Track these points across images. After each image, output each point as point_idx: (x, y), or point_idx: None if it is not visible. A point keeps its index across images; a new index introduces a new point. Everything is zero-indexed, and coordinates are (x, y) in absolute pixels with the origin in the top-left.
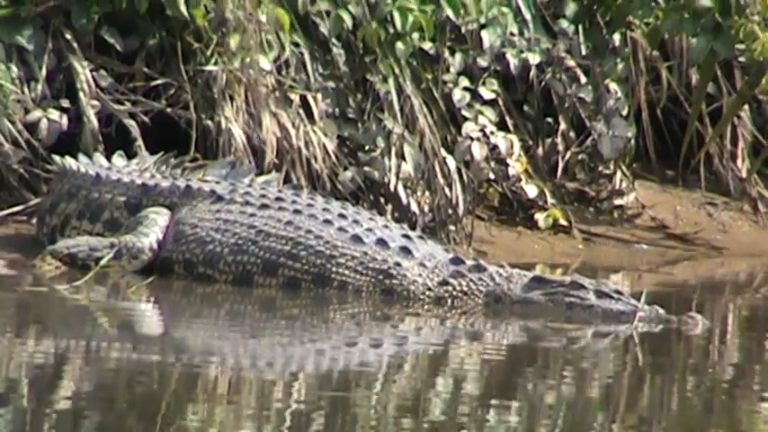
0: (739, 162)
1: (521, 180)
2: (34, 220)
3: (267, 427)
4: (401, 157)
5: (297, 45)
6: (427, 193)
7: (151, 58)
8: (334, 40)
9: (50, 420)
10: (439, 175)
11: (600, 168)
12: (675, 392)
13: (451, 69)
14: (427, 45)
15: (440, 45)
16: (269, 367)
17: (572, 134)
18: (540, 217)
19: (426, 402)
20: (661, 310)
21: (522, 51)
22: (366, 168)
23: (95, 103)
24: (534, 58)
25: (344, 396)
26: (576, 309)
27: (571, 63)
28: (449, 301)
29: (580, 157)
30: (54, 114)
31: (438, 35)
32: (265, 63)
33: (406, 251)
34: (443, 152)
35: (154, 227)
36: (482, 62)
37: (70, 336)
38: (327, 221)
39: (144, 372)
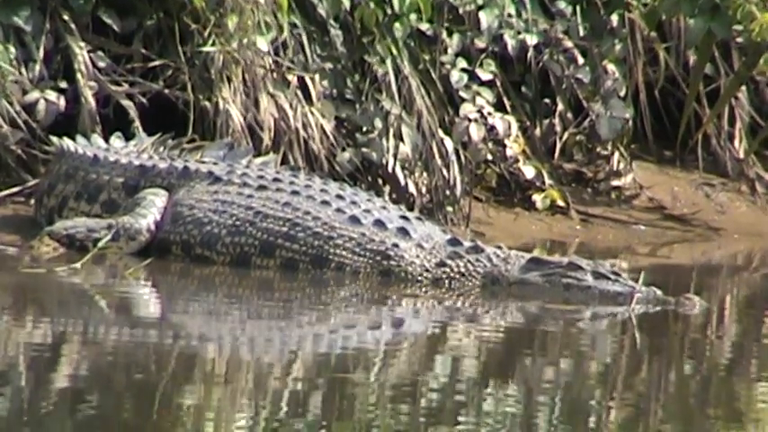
0: (737, 143)
1: (518, 161)
2: (32, 202)
3: (265, 407)
4: (399, 138)
5: (295, 26)
6: (425, 174)
7: (149, 39)
8: (331, 21)
9: (48, 401)
10: (437, 156)
11: (597, 149)
12: (673, 373)
13: (449, 50)
14: (425, 26)
15: (437, 26)
16: (266, 348)
17: (569, 115)
18: (537, 198)
19: (424, 383)
20: (658, 291)
21: (519, 32)
22: (364, 149)
23: (93, 84)
24: (532, 39)
25: (343, 377)
26: (573, 290)
27: (569, 44)
28: (446, 282)
29: (578, 138)
30: (52, 95)
31: (436, 16)
32: (263, 44)
33: (403, 232)
34: (441, 133)
35: (151, 208)
36: (480, 43)
37: (68, 317)
38: (325, 202)
39: (142, 353)
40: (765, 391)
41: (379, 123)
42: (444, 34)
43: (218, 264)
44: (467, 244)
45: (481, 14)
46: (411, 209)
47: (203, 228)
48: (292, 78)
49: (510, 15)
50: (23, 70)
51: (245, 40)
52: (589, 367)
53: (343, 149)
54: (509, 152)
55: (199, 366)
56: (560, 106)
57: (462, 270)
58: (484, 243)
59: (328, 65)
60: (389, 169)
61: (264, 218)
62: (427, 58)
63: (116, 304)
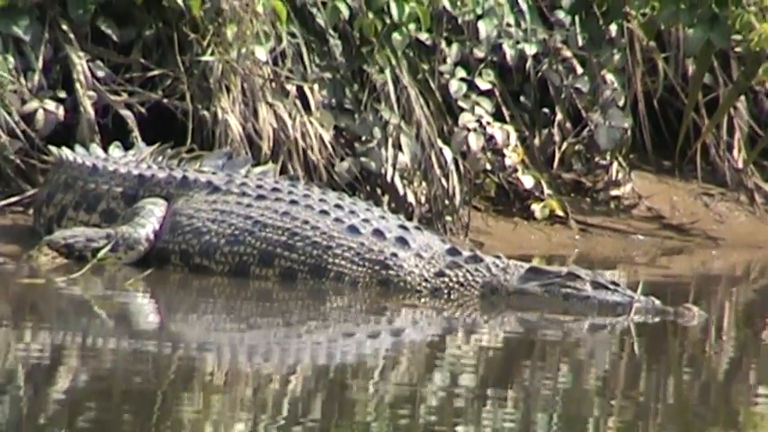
0: (735, 153)
1: (517, 171)
2: (31, 211)
3: (263, 417)
4: (398, 147)
5: (293, 36)
6: (424, 183)
7: (148, 48)
8: (330, 30)
9: (47, 412)
10: (435, 166)
11: (596, 159)
12: (671, 383)
13: (448, 60)
14: (424, 36)
15: (436, 36)
16: (265, 359)
17: (568, 125)
18: (536, 208)
19: (423, 393)
20: (657, 302)
21: (518, 42)
22: (363, 159)
23: (92, 93)
24: (531, 49)
25: (341, 387)
26: (572, 300)
27: (568, 54)
28: (445, 291)
29: (577, 147)
30: (50, 105)
31: (434, 26)
32: (262, 54)
33: (402, 242)
34: (440, 143)
35: (150, 217)
36: (479, 53)
37: (67, 328)
38: (324, 212)
39: (141, 364)
40: (764, 401)
41: (377, 133)
42: (443, 44)
43: (216, 273)
44: (466, 254)
45: (480, 24)
46: (410, 218)
47: (202, 237)
48: (291, 88)
49: (509, 25)
50: (22, 80)
51: (243, 50)
52: (587, 377)
53: (342, 159)
54: (508, 162)
55: (197, 377)
56: (559, 116)
57: (461, 280)
58: (483, 253)
59: (327, 74)
60: (388, 179)
61: (263, 227)
62: (426, 67)
63: (115, 315)
